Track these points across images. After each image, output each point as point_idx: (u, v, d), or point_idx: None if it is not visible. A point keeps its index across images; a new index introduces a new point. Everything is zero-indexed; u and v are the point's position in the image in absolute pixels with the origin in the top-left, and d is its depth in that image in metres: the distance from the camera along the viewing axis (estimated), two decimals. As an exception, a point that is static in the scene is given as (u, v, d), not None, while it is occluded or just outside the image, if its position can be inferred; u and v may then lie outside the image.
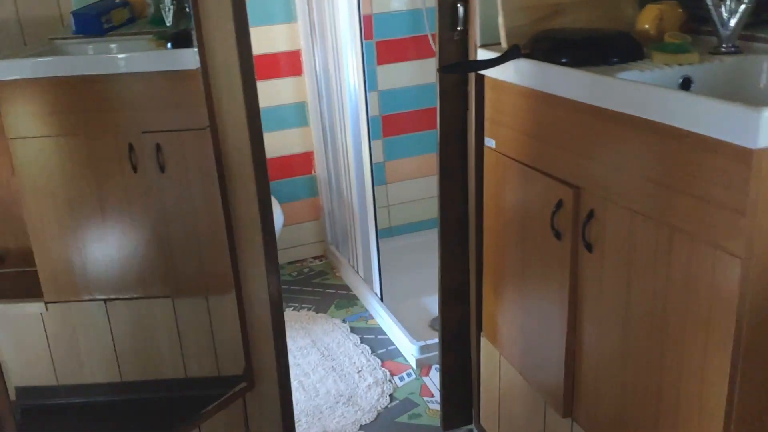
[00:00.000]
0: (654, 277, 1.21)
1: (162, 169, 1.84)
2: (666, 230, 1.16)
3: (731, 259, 1.04)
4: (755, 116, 0.95)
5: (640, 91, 1.17)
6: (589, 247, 1.38)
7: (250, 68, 1.55)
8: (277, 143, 3.14)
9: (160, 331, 2.00)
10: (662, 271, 1.19)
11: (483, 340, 1.91)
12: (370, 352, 2.53)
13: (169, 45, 1.82)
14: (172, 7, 1.80)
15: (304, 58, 3.04)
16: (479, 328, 1.93)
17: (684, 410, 1.19)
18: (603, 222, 1.33)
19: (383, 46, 3.09)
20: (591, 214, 1.35)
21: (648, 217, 1.20)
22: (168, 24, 1.80)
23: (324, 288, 3.05)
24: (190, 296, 2.00)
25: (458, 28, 1.70)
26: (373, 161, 2.57)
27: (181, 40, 1.69)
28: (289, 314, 2.82)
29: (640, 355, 1.28)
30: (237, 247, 1.68)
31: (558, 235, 1.46)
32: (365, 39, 3.01)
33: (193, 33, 1.54)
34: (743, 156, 0.98)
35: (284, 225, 3.16)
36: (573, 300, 1.46)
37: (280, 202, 3.11)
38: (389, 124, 3.21)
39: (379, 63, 3.10)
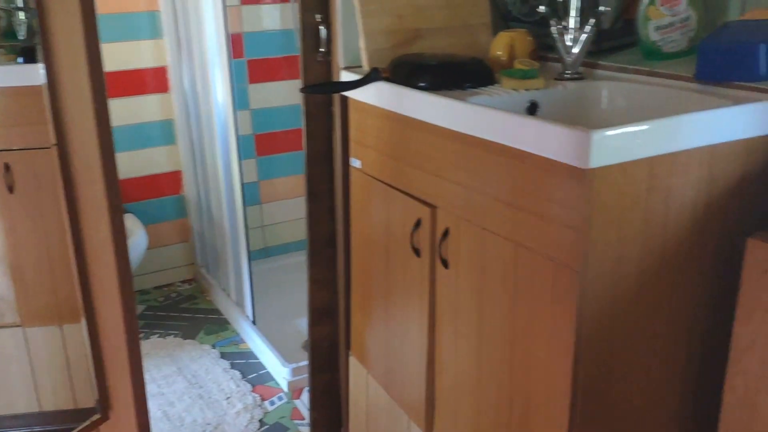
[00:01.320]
0: (503, 292, 1.26)
1: (10, 189, 1.72)
2: (512, 247, 1.22)
3: (569, 273, 1.10)
4: (586, 138, 1.01)
5: (486, 115, 1.22)
6: (445, 264, 1.42)
7: (100, 84, 1.48)
8: (142, 162, 3.02)
9: (10, 362, 1.86)
10: (510, 287, 1.24)
11: (351, 359, 1.92)
12: (240, 377, 2.47)
13: (20, 59, 1.72)
14: (25, 20, 1.71)
15: (171, 75, 2.96)
16: (348, 347, 1.93)
17: (533, 419, 1.25)
18: (457, 239, 1.37)
19: (255, 65, 3.06)
20: (447, 232, 1.40)
21: (497, 234, 1.25)
22: (20, 38, 1.71)
23: (193, 313, 2.96)
24: (43, 324, 1.88)
25: (321, 50, 1.71)
26: (247, 180, 2.53)
27: (34, 55, 1.61)
28: (154, 342, 2.70)
29: (493, 368, 1.33)
30: (88, 272, 1.60)
31: (417, 253, 1.50)
32: (236, 57, 2.98)
33: (39, 47, 1.46)
34: (577, 175, 1.05)
35: (150, 247, 3.04)
36: (432, 316, 1.50)
37: (146, 224, 2.99)
38: (263, 143, 3.18)
39: (252, 81, 3.07)
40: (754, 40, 1.26)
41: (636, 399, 1.23)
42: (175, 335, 2.77)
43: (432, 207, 1.43)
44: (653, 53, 1.47)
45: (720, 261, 1.21)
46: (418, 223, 1.48)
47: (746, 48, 1.26)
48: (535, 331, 1.21)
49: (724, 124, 1.14)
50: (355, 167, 1.73)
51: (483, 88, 1.45)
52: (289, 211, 3.30)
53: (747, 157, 1.17)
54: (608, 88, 1.44)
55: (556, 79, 1.50)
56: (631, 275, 1.13)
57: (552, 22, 1.47)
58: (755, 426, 1.17)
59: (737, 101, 1.17)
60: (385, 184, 1.59)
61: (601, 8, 1.47)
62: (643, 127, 1.06)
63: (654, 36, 1.46)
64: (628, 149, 1.05)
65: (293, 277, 3.01)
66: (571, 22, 1.46)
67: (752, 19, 1.42)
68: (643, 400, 1.24)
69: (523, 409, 1.27)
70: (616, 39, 1.60)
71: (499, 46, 1.61)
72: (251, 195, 3.17)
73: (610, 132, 1.02)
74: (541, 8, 1.51)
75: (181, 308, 2.99)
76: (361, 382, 1.88)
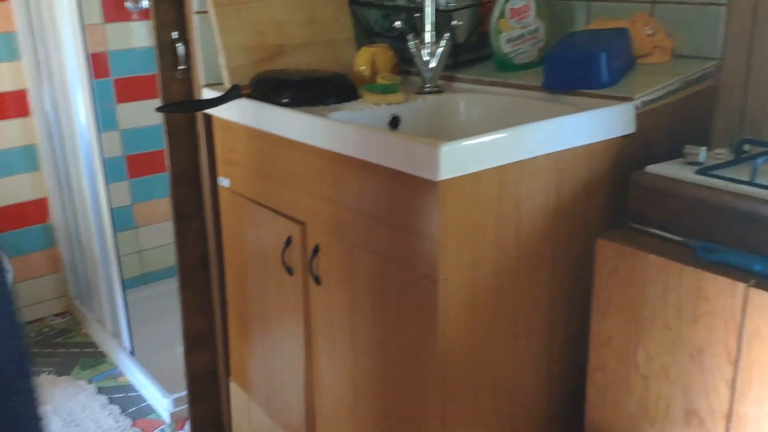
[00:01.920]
0: (373, 307, 1.27)
1: None
2: (379, 261, 1.22)
3: (431, 282, 1.12)
4: (435, 152, 1.03)
5: (346, 131, 1.22)
6: (317, 281, 1.40)
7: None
8: (4, 190, 2.83)
9: None
10: (378, 301, 1.25)
11: (232, 385, 1.86)
12: (119, 412, 2.35)
13: None
14: None
15: (32, 98, 2.79)
16: (228, 373, 1.88)
17: (407, 429, 1.25)
18: (328, 256, 1.36)
19: (123, 84, 2.94)
20: (317, 249, 1.38)
21: (364, 249, 1.25)
22: None
23: (67, 347, 2.79)
24: None
25: (180, 67, 1.66)
26: (119, 204, 2.41)
27: None
28: (24, 381, 2.52)
29: (367, 383, 1.33)
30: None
31: (290, 271, 1.47)
32: (101, 77, 2.85)
33: None
34: (430, 188, 1.07)
35: (17, 281, 2.84)
36: (308, 334, 1.48)
37: (11, 256, 2.80)
38: (135, 165, 3.05)
39: (119, 101, 2.94)
40: (596, 49, 1.33)
41: (503, 405, 1.26)
42: (49, 372, 2.60)
43: (301, 224, 1.42)
44: (506, 65, 1.53)
45: (573, 260, 1.27)
46: (288, 241, 1.45)
47: (588, 57, 1.33)
48: (403, 343, 1.21)
49: (568, 131, 1.19)
50: (223, 186, 1.69)
51: (346, 103, 1.45)
52: (168, 235, 3.18)
53: (591, 161, 1.23)
54: (465, 100, 1.48)
55: (416, 92, 1.52)
56: (489, 280, 1.15)
57: (409, 37, 1.50)
58: (618, 419, 1.23)
59: (581, 108, 1.23)
60: (255, 202, 1.56)
61: (455, 22, 1.51)
62: (491, 137, 1.09)
63: (506, 48, 1.51)
64: (477, 160, 1.07)
65: (173, 303, 2.90)
66: (427, 37, 1.49)
67: (596, 28, 1.50)
68: (512, 406, 1.27)
69: (399, 422, 1.27)
70: (472, 52, 1.65)
71: (362, 61, 1.62)
72: (125, 219, 3.03)
73: (458, 144, 1.05)
74: (398, 23, 1.54)
75: (55, 343, 2.82)
76: (243, 408, 1.83)
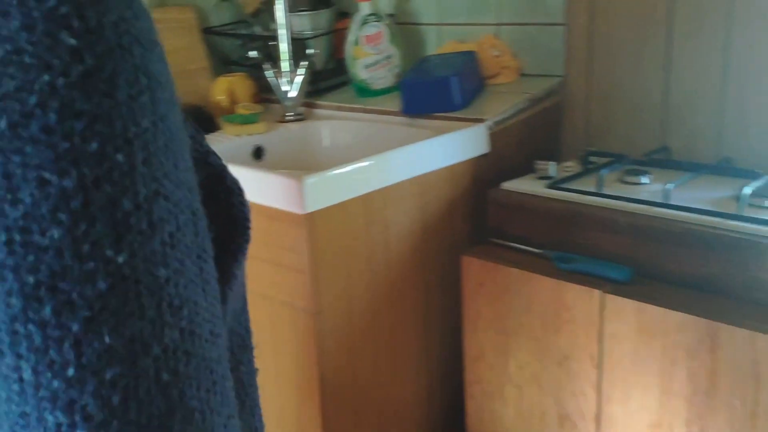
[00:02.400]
0: (260, 346, 1.23)
1: None
2: (252, 298, 1.19)
3: (306, 316, 1.10)
4: (300, 185, 1.02)
5: (206, 166, 1.18)
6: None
7: None
8: None
9: None
10: (255, 339, 1.22)
11: None
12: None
13: None
14: None
15: None
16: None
17: (294, 467, 1.23)
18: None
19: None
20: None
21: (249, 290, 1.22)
22: None
23: None
24: None
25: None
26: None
27: None
28: None
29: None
30: None
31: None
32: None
33: None
34: (298, 221, 1.06)
35: None
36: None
37: None
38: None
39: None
40: (448, 73, 1.38)
41: (387, 425, 1.26)
42: None
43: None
44: (364, 90, 1.55)
45: (443, 278, 1.30)
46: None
47: (441, 82, 1.37)
48: (282, 381, 1.19)
49: (429, 154, 1.22)
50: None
51: (206, 135, 1.41)
52: None
53: (452, 181, 1.27)
54: (328, 127, 1.49)
55: (278, 121, 1.51)
56: (363, 306, 1.16)
57: (266, 66, 1.49)
58: (497, 430, 1.27)
59: (439, 132, 1.27)
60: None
61: (311, 50, 1.51)
62: (356, 166, 1.10)
63: (363, 74, 1.53)
64: (343, 189, 1.08)
65: None
66: (285, 65, 1.48)
67: (447, 52, 1.56)
68: (396, 425, 1.28)
69: (283, 460, 1.24)
70: (331, 78, 1.66)
71: (220, 91, 1.59)
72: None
73: (323, 176, 1.05)
74: (254, 53, 1.52)
75: None
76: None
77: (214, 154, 0.40)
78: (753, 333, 0.91)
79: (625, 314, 1.04)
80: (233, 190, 0.40)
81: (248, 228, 0.41)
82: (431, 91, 1.36)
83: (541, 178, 1.27)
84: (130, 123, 0.29)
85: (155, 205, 0.29)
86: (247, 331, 0.47)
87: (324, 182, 1.05)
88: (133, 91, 0.29)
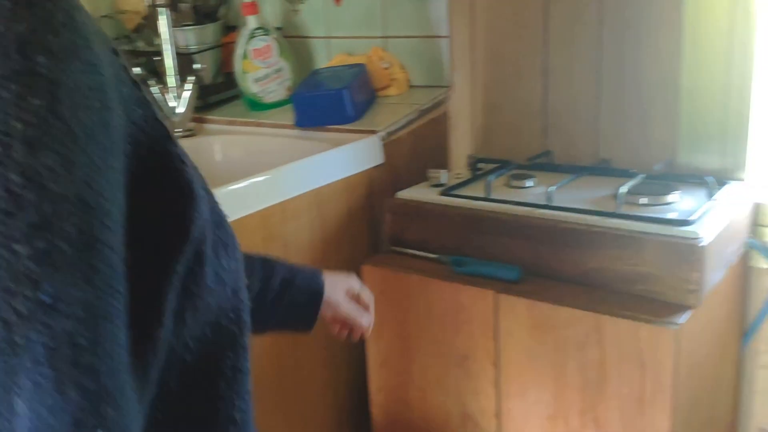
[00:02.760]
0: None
1: None
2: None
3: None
4: (194, 203, 1.00)
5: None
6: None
7: None
8: None
9: None
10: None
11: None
12: None
13: None
14: None
15: None
16: None
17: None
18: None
19: None
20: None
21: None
22: None
23: None
24: None
25: None
26: None
27: None
28: None
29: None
30: None
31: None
32: None
33: None
34: (193, 240, 1.04)
35: None
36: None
37: None
38: None
39: None
40: (340, 86, 1.40)
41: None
42: None
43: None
44: (256, 104, 1.54)
45: (346, 290, 1.31)
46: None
47: (333, 94, 1.38)
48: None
49: (325, 166, 1.23)
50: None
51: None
52: None
53: (349, 193, 1.29)
54: (219, 142, 1.47)
55: (167, 137, 1.47)
56: (266, 325, 1.15)
57: (151, 82, 1.45)
58: (401, 432, 1.29)
59: (334, 144, 1.28)
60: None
61: (197, 65, 1.49)
62: (252, 181, 1.09)
63: (254, 88, 1.52)
64: (239, 206, 1.07)
65: None
66: (170, 81, 1.45)
67: (337, 65, 1.57)
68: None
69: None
70: (221, 93, 1.64)
71: (103, 109, 1.53)
72: None
73: (217, 192, 1.03)
74: (137, 69, 1.47)
75: None
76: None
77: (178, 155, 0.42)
78: (636, 323, 0.98)
79: (518, 312, 1.08)
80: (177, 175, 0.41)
81: (188, 228, 0.41)
82: (324, 103, 1.37)
83: (434, 185, 1.31)
84: None
85: None
86: (240, 329, 0.47)
87: (219, 199, 1.03)
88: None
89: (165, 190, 0.40)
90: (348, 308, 0.91)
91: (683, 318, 0.97)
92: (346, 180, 1.27)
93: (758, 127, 1.27)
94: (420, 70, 1.55)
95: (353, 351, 1.35)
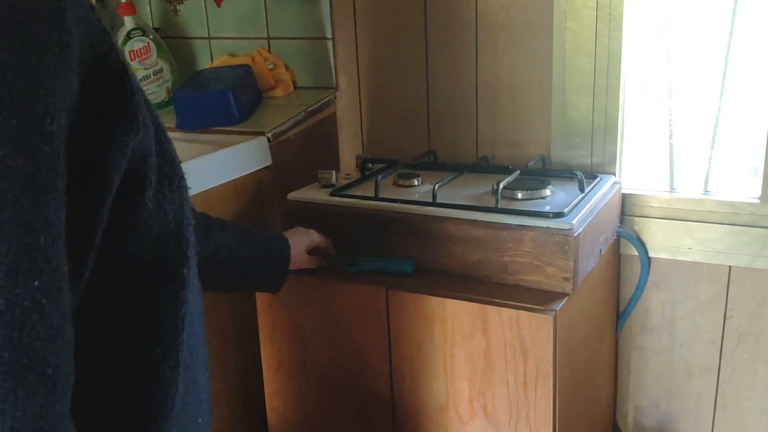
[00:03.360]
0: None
1: None
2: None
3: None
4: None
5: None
6: None
7: None
8: None
9: None
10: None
11: None
12: None
13: None
14: None
15: None
16: None
17: None
18: None
19: None
20: None
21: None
22: None
23: None
24: None
25: None
26: None
27: None
28: None
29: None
30: None
31: None
32: None
33: None
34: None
35: None
36: None
37: None
38: None
39: None
40: (224, 87, 1.38)
41: None
42: None
43: None
44: (136, 107, 1.49)
45: (238, 295, 1.29)
46: None
47: (217, 95, 1.36)
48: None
49: (212, 169, 1.21)
50: None
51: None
52: None
53: (238, 196, 1.27)
54: (98, 146, 1.41)
55: (40, 143, 1.40)
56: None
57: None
58: (298, 434, 1.29)
59: (220, 146, 1.26)
60: None
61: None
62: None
63: (133, 90, 1.47)
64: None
65: None
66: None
67: (221, 65, 1.55)
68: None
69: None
70: (98, 95, 1.57)
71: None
72: None
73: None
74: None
75: None
76: None
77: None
78: (516, 311, 1.03)
79: (408, 307, 1.11)
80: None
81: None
82: (208, 105, 1.35)
83: (325, 186, 1.32)
84: None
85: None
86: (181, 261, 0.53)
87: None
88: None
89: (113, 113, 0.46)
90: (310, 262, 1.15)
91: (560, 305, 1.03)
92: (234, 182, 1.25)
93: (625, 125, 1.36)
94: (306, 71, 1.55)
95: (247, 356, 1.33)
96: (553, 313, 1.00)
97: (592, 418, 1.32)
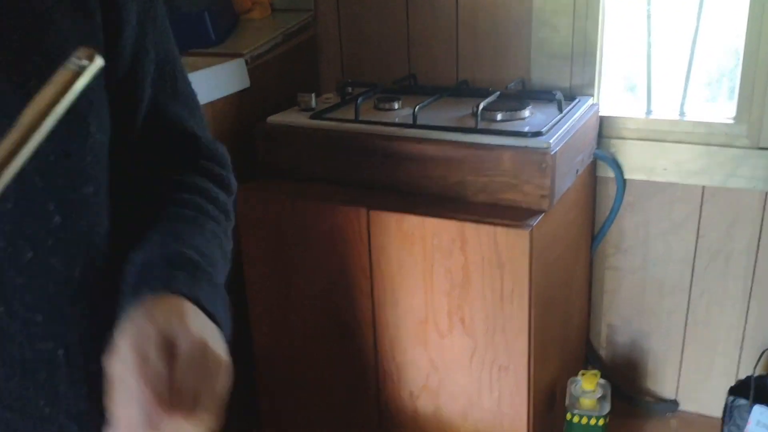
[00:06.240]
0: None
1: None
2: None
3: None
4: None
5: None
6: None
7: None
8: None
9: None
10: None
11: None
12: None
13: None
14: None
15: None
16: None
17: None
18: None
19: None
20: None
21: None
22: None
23: None
24: None
25: None
26: None
27: None
28: None
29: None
30: None
31: None
32: None
33: None
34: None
35: None
36: None
37: None
38: None
39: None
40: (200, 8, 1.35)
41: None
42: None
43: None
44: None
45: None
46: None
47: (194, 16, 1.34)
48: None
49: (188, 92, 1.20)
50: None
51: None
52: None
53: (215, 119, 1.27)
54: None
55: None
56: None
57: None
58: (281, 346, 1.32)
59: (195, 68, 1.24)
60: None
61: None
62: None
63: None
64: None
65: None
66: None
67: (197, -12, 1.51)
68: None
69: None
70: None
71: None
72: None
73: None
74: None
75: None
76: None
77: None
78: (494, 228, 1.05)
79: (389, 226, 1.13)
80: None
81: None
82: (183, 26, 1.33)
83: (304, 110, 1.31)
84: None
85: None
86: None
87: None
88: None
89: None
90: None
91: (536, 221, 1.05)
92: (212, 105, 1.25)
93: (604, 47, 1.36)
94: (283, -7, 1.52)
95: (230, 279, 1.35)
96: (530, 228, 1.03)
97: (566, 335, 1.37)
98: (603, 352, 1.54)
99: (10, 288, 0.43)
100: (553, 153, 1.06)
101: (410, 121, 1.20)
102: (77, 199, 0.46)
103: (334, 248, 1.20)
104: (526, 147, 1.08)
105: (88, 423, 0.47)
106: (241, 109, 1.31)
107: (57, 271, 0.46)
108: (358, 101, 1.26)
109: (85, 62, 0.38)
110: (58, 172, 0.45)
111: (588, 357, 1.53)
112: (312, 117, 1.27)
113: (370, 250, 1.16)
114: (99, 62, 0.39)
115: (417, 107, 1.20)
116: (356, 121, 1.24)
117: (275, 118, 1.28)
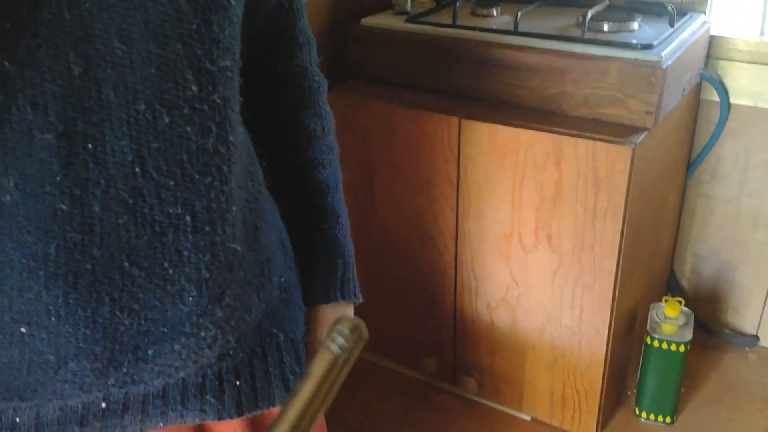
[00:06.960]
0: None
1: None
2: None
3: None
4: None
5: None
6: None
7: None
8: None
9: None
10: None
11: None
12: None
13: None
14: None
15: None
16: None
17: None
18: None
19: None
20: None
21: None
22: None
23: None
24: None
25: None
26: None
27: None
28: None
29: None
30: None
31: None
32: None
33: None
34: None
35: None
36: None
37: None
38: None
39: None
40: None
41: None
42: None
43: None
44: None
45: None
46: None
47: None
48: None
49: None
50: None
51: None
52: None
53: (310, 20, 1.24)
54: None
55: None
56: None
57: None
58: (369, 248, 1.34)
59: None
60: None
61: None
62: None
63: None
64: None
65: None
66: None
67: None
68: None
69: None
70: None
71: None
72: None
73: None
74: None
75: None
76: None
77: None
78: (594, 143, 1.01)
79: (480, 137, 1.11)
80: None
81: None
82: None
83: (399, 13, 1.28)
84: None
85: None
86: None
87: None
88: None
89: None
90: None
91: (639, 138, 1.01)
92: (306, 4, 1.22)
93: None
94: None
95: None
96: (633, 146, 0.99)
97: (652, 261, 1.33)
98: (685, 282, 1.51)
99: (147, 150, 0.45)
100: (664, 68, 1.01)
101: (511, 28, 1.15)
102: (214, 71, 0.47)
103: (421, 156, 1.18)
104: (635, 59, 1.03)
105: (207, 291, 0.49)
106: (334, 9, 1.29)
107: (191, 140, 0.46)
108: (456, 5, 1.22)
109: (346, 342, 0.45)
110: (198, 41, 0.45)
111: (669, 285, 1.50)
112: (408, 20, 1.24)
113: (459, 160, 1.15)
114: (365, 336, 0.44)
115: (519, 12, 1.15)
116: (454, 26, 1.20)
117: (369, 21, 1.25)
